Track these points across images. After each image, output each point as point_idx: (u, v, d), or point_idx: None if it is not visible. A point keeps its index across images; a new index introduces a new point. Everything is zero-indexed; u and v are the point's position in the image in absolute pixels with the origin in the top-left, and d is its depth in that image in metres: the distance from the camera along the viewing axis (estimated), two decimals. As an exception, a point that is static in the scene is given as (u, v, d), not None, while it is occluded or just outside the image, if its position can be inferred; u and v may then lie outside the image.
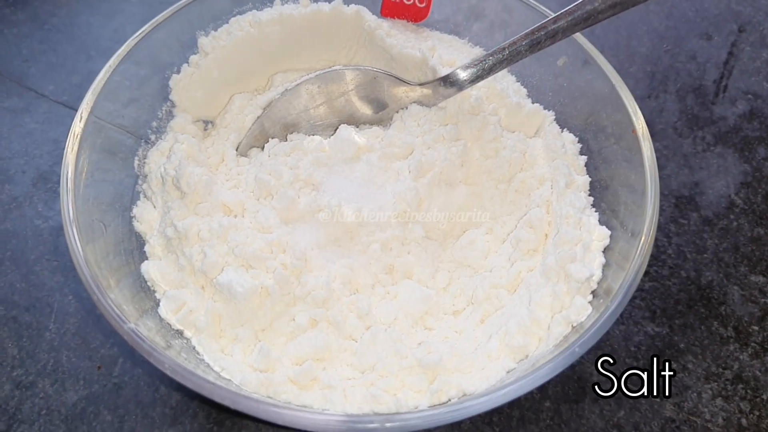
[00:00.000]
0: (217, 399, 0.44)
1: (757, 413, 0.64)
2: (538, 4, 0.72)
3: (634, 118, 0.60)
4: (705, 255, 0.75)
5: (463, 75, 0.64)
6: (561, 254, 0.57)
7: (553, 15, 0.60)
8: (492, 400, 0.45)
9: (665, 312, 0.71)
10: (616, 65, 0.93)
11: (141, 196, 0.64)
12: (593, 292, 0.56)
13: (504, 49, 0.61)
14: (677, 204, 0.80)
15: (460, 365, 0.53)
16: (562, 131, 0.69)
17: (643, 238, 0.52)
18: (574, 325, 0.53)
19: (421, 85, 0.67)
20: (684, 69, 0.94)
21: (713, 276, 0.74)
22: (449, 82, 0.65)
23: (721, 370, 0.67)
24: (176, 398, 0.63)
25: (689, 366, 0.67)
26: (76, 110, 0.82)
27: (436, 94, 0.67)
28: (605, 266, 0.57)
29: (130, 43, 0.64)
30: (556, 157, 0.66)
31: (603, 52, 0.94)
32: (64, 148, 0.79)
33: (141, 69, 0.66)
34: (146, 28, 0.65)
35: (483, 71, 0.63)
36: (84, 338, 0.66)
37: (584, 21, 0.58)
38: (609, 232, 0.59)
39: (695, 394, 0.66)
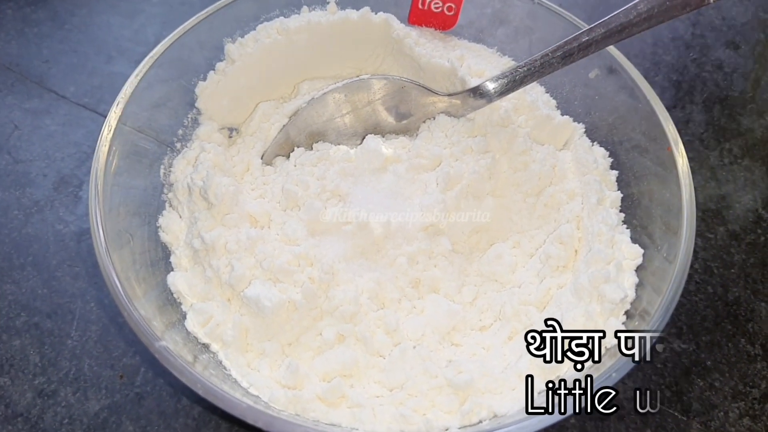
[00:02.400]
0: (251, 421, 0.43)
1: (785, 434, 0.64)
2: (561, 10, 0.71)
3: (669, 135, 0.59)
4: (732, 270, 0.74)
5: (492, 86, 0.63)
6: (594, 274, 0.56)
7: (587, 27, 0.59)
8: (526, 428, 0.44)
9: (692, 328, 0.70)
10: (642, 73, 0.92)
11: (167, 205, 0.64)
12: (626, 313, 0.55)
13: (535, 60, 0.60)
14: (704, 218, 0.78)
15: (490, 385, 0.53)
16: (592, 144, 0.68)
17: (680, 262, 0.52)
18: (608, 347, 0.52)
19: (449, 95, 0.66)
20: (711, 79, 0.93)
21: (740, 292, 0.73)
22: (479, 93, 0.64)
23: (748, 388, 0.67)
24: (198, 409, 0.62)
25: (716, 384, 0.66)
26: (97, 112, 0.83)
27: (465, 105, 0.66)
28: (639, 286, 0.56)
29: (158, 49, 0.63)
30: (587, 172, 0.65)
31: (628, 59, 0.93)
32: (85, 151, 0.79)
33: (168, 75, 0.66)
34: (174, 34, 0.64)
35: (513, 83, 0.62)
36: (106, 346, 0.66)
37: (618, 33, 0.57)
38: (642, 251, 0.58)
39: (722, 413, 0.65)
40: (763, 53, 0.97)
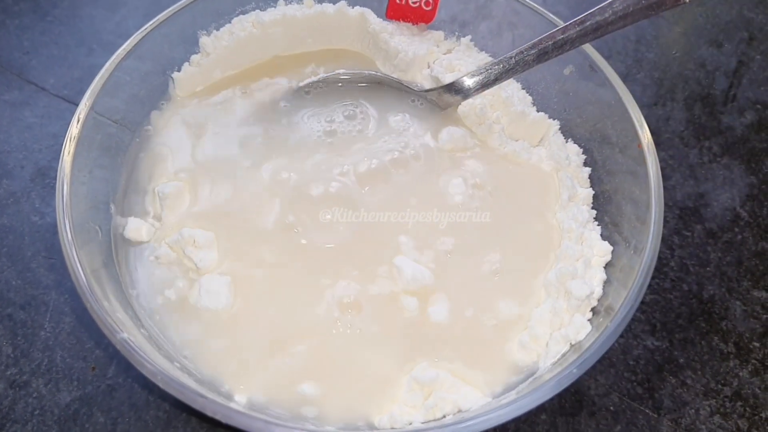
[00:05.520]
0: (209, 413, 0.43)
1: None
2: (543, 9, 0.71)
3: (640, 132, 0.59)
4: (708, 268, 0.75)
5: (468, 83, 0.63)
6: (562, 270, 0.56)
7: (563, 25, 0.59)
8: (488, 421, 0.45)
9: (665, 326, 0.70)
10: (624, 71, 0.93)
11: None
12: (593, 309, 0.55)
13: (511, 58, 0.60)
14: (681, 216, 0.79)
15: (456, 380, 0.53)
16: (566, 141, 0.68)
17: (645, 258, 0.52)
18: (573, 343, 0.52)
19: (425, 91, 0.66)
20: (692, 77, 0.93)
21: (715, 290, 0.73)
22: (454, 89, 0.64)
23: (720, 386, 0.67)
24: (170, 402, 0.62)
25: (688, 381, 0.67)
26: (76, 105, 0.83)
27: (440, 101, 0.66)
28: (606, 283, 0.56)
29: (132, 40, 0.63)
30: (560, 169, 0.65)
31: (610, 57, 0.93)
32: (62, 144, 0.79)
33: (143, 66, 0.66)
34: (149, 25, 0.65)
35: (489, 80, 0.62)
36: (78, 338, 0.66)
37: (593, 32, 0.57)
38: (611, 248, 0.58)
39: (693, 411, 0.65)
40: (746, 52, 0.97)
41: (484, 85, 0.63)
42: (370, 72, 0.68)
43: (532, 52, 0.59)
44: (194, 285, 0.57)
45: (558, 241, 0.61)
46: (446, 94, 0.65)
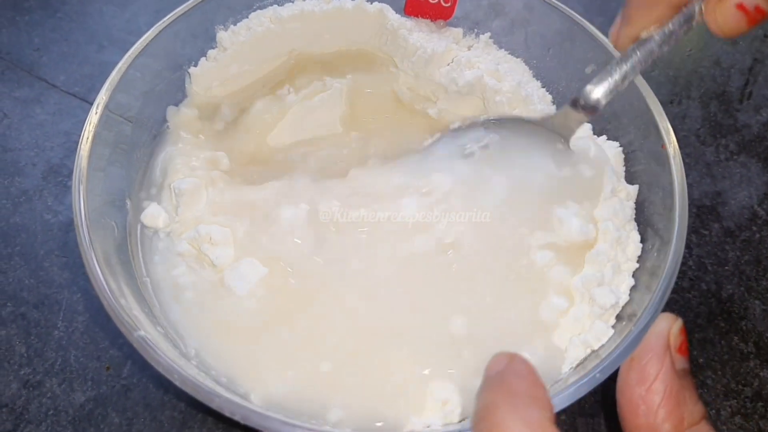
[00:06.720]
0: (227, 413, 0.43)
1: (777, 433, 0.63)
2: (557, 2, 0.70)
3: (664, 133, 0.58)
4: (726, 267, 0.74)
5: (596, 94, 0.54)
6: (588, 276, 0.54)
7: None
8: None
9: (684, 325, 0.69)
10: (639, 68, 0.92)
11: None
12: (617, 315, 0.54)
13: (634, 50, 0.53)
14: (699, 214, 0.78)
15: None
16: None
17: (669, 262, 0.50)
18: (594, 349, 0.52)
19: (552, 118, 0.61)
20: (708, 74, 0.92)
21: (734, 289, 0.72)
22: (581, 105, 0.55)
23: (740, 387, 0.66)
24: (185, 402, 0.62)
25: (708, 382, 0.66)
26: (88, 101, 0.82)
27: (567, 122, 0.59)
28: (632, 288, 0.55)
29: (148, 35, 0.62)
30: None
31: (626, 55, 0.91)
32: (75, 141, 0.78)
33: (157, 63, 0.65)
34: (165, 20, 0.64)
35: (617, 83, 0.54)
36: (92, 338, 0.65)
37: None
38: (639, 253, 0.57)
39: (714, 411, 0.64)
40: (761, 49, 0.96)
41: (612, 91, 0.54)
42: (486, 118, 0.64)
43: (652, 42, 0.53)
44: (233, 265, 0.56)
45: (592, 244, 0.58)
46: (573, 112, 0.56)
